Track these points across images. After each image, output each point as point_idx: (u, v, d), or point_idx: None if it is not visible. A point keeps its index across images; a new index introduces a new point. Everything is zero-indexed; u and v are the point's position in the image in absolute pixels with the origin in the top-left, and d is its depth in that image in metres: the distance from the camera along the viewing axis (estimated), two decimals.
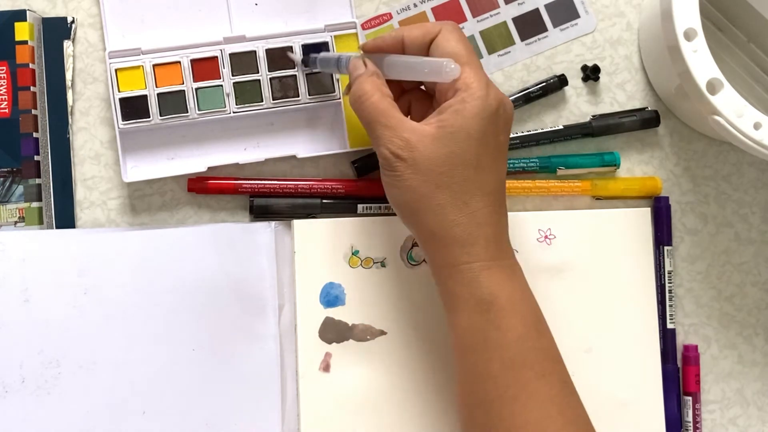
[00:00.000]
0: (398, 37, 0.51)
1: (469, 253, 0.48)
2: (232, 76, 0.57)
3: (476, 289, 0.48)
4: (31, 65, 0.58)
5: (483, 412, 0.48)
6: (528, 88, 0.61)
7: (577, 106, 0.62)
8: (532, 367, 0.48)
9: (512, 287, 0.49)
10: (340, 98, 0.58)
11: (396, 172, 0.49)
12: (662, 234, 0.60)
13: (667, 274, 0.60)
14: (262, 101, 0.58)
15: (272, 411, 0.57)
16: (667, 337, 0.60)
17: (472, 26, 0.61)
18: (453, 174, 0.48)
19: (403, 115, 0.49)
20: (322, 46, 0.58)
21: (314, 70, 0.57)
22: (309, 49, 0.58)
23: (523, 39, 0.62)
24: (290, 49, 0.58)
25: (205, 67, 0.57)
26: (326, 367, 0.57)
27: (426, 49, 0.51)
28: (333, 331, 0.57)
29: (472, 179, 0.48)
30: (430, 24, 0.52)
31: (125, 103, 0.57)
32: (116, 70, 0.57)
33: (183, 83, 0.57)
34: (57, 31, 0.59)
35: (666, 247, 0.60)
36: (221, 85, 0.57)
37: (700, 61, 0.51)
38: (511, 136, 0.60)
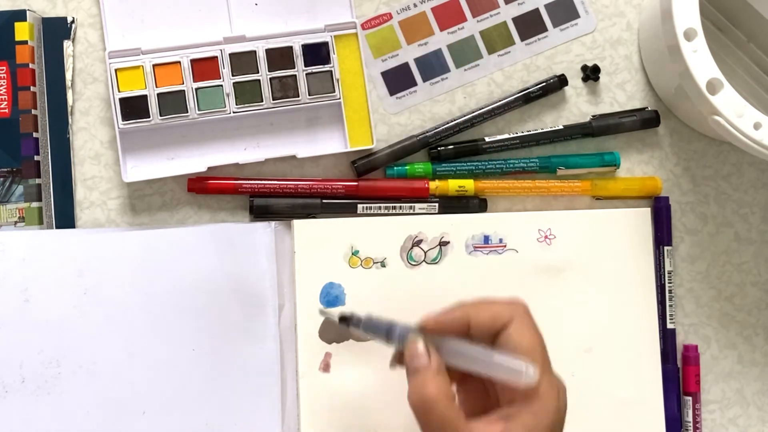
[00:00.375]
0: (464, 318, 0.45)
1: None
2: (232, 76, 0.57)
3: None
4: (31, 65, 0.58)
5: None
6: (528, 88, 0.61)
7: (577, 106, 0.62)
8: None
9: None
10: (340, 98, 0.58)
11: None
12: (662, 234, 0.60)
13: (667, 274, 0.60)
14: (262, 101, 0.58)
15: (272, 411, 0.57)
16: (667, 337, 0.60)
17: (472, 26, 0.61)
18: None
19: (469, 424, 0.43)
20: (322, 46, 0.58)
21: (357, 333, 0.51)
22: (309, 49, 0.58)
23: (523, 39, 0.62)
24: (290, 50, 0.57)
25: (205, 67, 0.57)
26: (326, 367, 0.57)
27: (493, 336, 0.45)
28: (333, 331, 0.57)
29: None
30: (500, 306, 0.46)
31: (125, 103, 0.57)
32: (116, 70, 0.57)
33: (183, 83, 0.57)
34: (57, 31, 0.59)
35: (666, 247, 0.60)
36: (221, 85, 0.57)
37: (700, 61, 0.51)
38: (511, 136, 0.60)
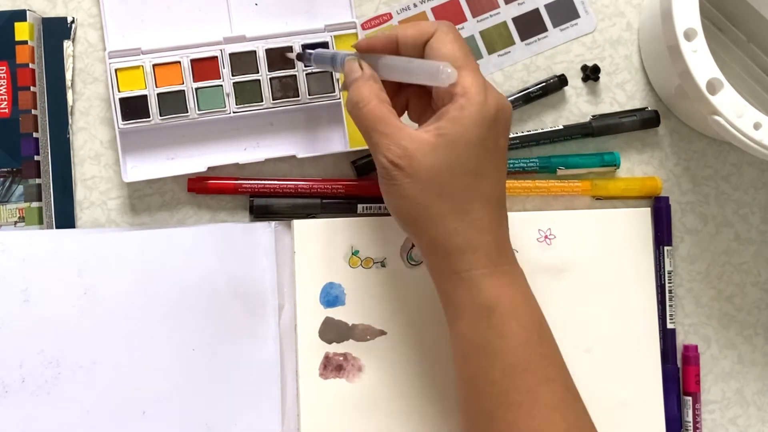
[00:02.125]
0: (392, 37, 0.50)
1: (469, 261, 0.48)
2: (232, 76, 0.57)
3: (477, 296, 0.48)
4: (31, 65, 0.58)
5: (485, 419, 0.47)
6: (528, 88, 0.61)
7: (577, 106, 0.62)
8: (534, 373, 0.47)
9: (513, 293, 0.49)
10: (340, 98, 0.58)
11: (394, 181, 0.47)
12: (662, 234, 0.60)
13: (667, 274, 0.60)
14: (262, 101, 0.58)
15: (272, 411, 0.57)
16: (667, 337, 0.60)
17: (472, 26, 0.61)
18: (453, 183, 0.47)
19: (401, 123, 0.48)
20: (323, 46, 0.58)
21: (311, 67, 0.57)
22: (309, 49, 0.58)
23: (523, 39, 0.62)
24: (290, 49, 0.58)
25: (205, 67, 0.57)
26: (326, 369, 0.57)
27: (421, 49, 0.49)
28: (333, 331, 0.57)
29: (473, 187, 0.48)
30: (425, 23, 0.50)
31: (125, 103, 0.57)
32: (116, 70, 0.57)
33: (183, 83, 0.57)
34: (57, 31, 0.59)
35: (666, 247, 0.60)
36: (221, 85, 0.57)
37: (700, 61, 0.51)
38: (511, 136, 0.60)
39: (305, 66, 0.57)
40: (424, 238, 0.49)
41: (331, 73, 0.58)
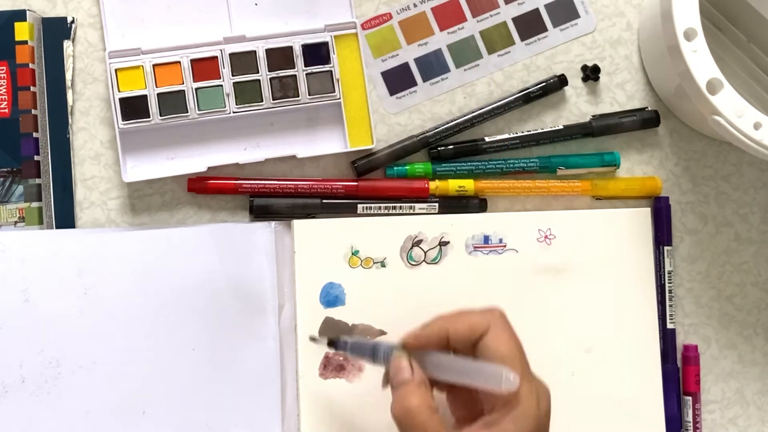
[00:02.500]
0: (442, 332, 0.47)
1: None
2: (232, 76, 0.57)
3: None
4: (31, 65, 0.58)
5: None
6: (528, 88, 0.61)
7: (577, 106, 0.62)
8: None
9: None
10: (340, 98, 0.58)
11: None
12: (662, 234, 0.60)
13: (667, 274, 0.60)
14: (262, 101, 0.58)
15: (272, 411, 0.57)
16: (667, 337, 0.60)
17: (472, 26, 0.61)
18: None
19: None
20: (323, 46, 0.58)
21: (347, 351, 0.52)
22: (309, 49, 0.58)
23: (523, 39, 0.62)
24: (286, 52, 0.57)
25: (205, 67, 0.57)
26: (326, 369, 0.57)
27: (472, 346, 0.46)
28: (333, 331, 0.57)
29: None
30: (476, 316, 0.47)
31: (125, 103, 0.57)
32: (116, 70, 0.57)
33: (183, 83, 0.57)
34: (57, 31, 0.59)
35: (666, 247, 0.60)
36: (221, 85, 0.57)
37: (700, 61, 0.51)
38: (511, 136, 0.60)
39: (337, 351, 0.53)
40: None
41: (332, 73, 0.58)
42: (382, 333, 0.58)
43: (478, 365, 0.45)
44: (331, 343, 0.51)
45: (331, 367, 0.57)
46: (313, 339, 0.54)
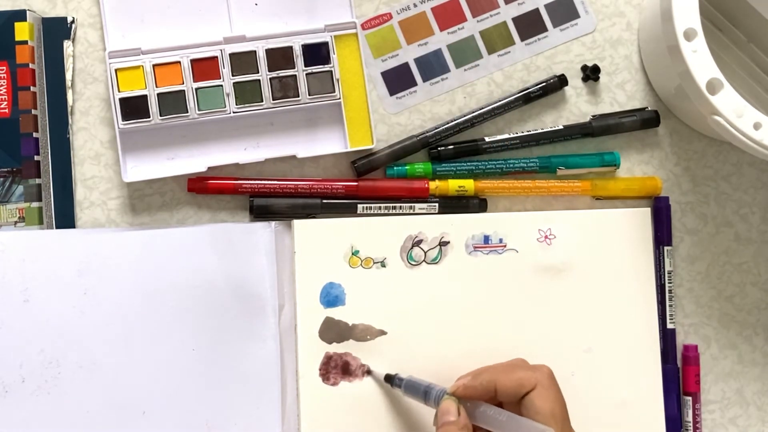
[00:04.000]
0: (491, 384, 0.50)
1: None
2: (232, 76, 0.57)
3: None
4: (31, 65, 0.58)
5: None
6: (528, 88, 0.61)
7: (577, 106, 0.62)
8: None
9: None
10: (340, 98, 0.58)
11: None
12: (662, 234, 0.60)
13: (667, 274, 0.60)
14: (262, 101, 0.58)
15: (272, 411, 0.57)
16: (667, 337, 0.60)
17: (472, 26, 0.61)
18: None
19: None
20: (323, 46, 0.58)
21: (400, 389, 0.55)
22: (309, 49, 0.58)
23: (523, 39, 0.62)
24: (286, 52, 0.57)
25: (205, 67, 0.57)
26: (326, 369, 0.57)
27: (519, 400, 0.50)
28: (333, 331, 0.57)
29: None
30: (525, 372, 0.50)
31: (125, 103, 0.57)
32: (116, 70, 0.57)
33: (183, 83, 0.57)
34: (57, 31, 0.59)
35: (666, 247, 0.60)
36: (221, 85, 0.57)
37: (700, 61, 0.51)
38: (511, 136, 0.60)
39: (391, 387, 0.56)
40: None
41: (332, 73, 0.58)
42: (382, 333, 0.58)
43: (522, 421, 0.48)
44: (388, 379, 0.56)
45: (331, 368, 0.57)
46: (371, 374, 0.57)
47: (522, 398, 0.49)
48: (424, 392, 0.53)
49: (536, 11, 0.62)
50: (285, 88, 0.58)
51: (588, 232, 0.59)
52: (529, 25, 0.62)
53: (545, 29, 0.62)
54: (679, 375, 0.60)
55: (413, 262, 0.58)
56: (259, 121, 0.59)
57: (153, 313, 0.56)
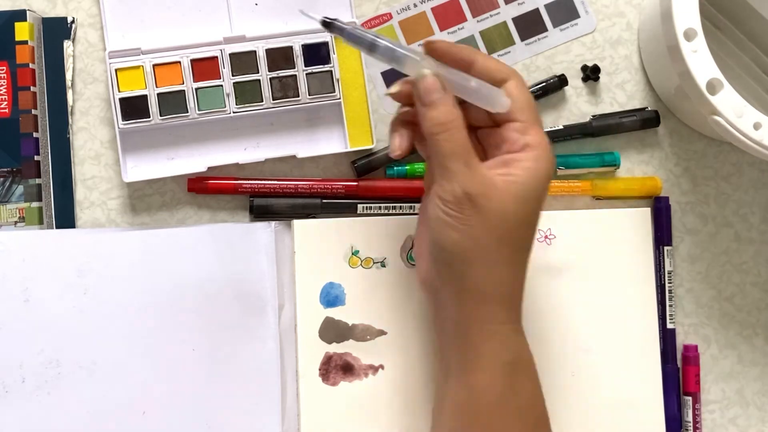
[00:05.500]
0: (470, 57, 0.49)
1: (506, 313, 0.47)
2: (232, 76, 0.57)
3: (505, 351, 0.47)
4: (31, 65, 0.58)
5: None
6: (528, 88, 0.60)
7: (577, 106, 0.62)
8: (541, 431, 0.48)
9: (528, 351, 0.49)
10: (340, 98, 0.58)
11: (462, 215, 0.46)
12: (662, 234, 0.60)
13: (667, 274, 0.60)
14: (262, 101, 0.58)
15: (272, 411, 0.57)
16: (667, 337, 0.60)
17: (472, 26, 0.61)
18: (517, 233, 0.47)
19: (478, 160, 0.47)
20: (323, 46, 0.58)
21: (341, 39, 0.49)
22: (309, 49, 0.58)
23: (523, 39, 0.62)
24: (286, 52, 0.57)
25: (205, 67, 0.57)
26: (326, 368, 0.57)
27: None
28: (333, 331, 0.57)
29: (528, 240, 0.48)
30: (503, 64, 0.49)
31: (125, 103, 0.57)
32: (116, 70, 0.57)
33: (183, 83, 0.57)
34: (57, 31, 0.59)
35: (666, 247, 0.60)
36: (221, 85, 0.57)
37: (700, 61, 0.51)
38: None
39: (331, 33, 0.49)
40: (467, 282, 0.47)
41: (332, 73, 0.58)
42: (383, 333, 0.58)
43: (483, 84, 0.47)
44: (326, 24, 0.48)
45: (331, 368, 0.57)
46: (304, 13, 0.49)
47: (497, 86, 0.48)
48: (370, 44, 0.48)
49: (536, 11, 0.62)
50: (285, 88, 0.58)
51: (588, 232, 0.59)
52: (529, 25, 0.62)
53: (545, 29, 0.62)
54: (679, 375, 0.60)
55: (413, 262, 0.58)
56: (259, 121, 0.59)
57: (153, 313, 0.56)
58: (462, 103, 0.48)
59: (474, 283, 0.47)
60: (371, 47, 0.48)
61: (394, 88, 0.50)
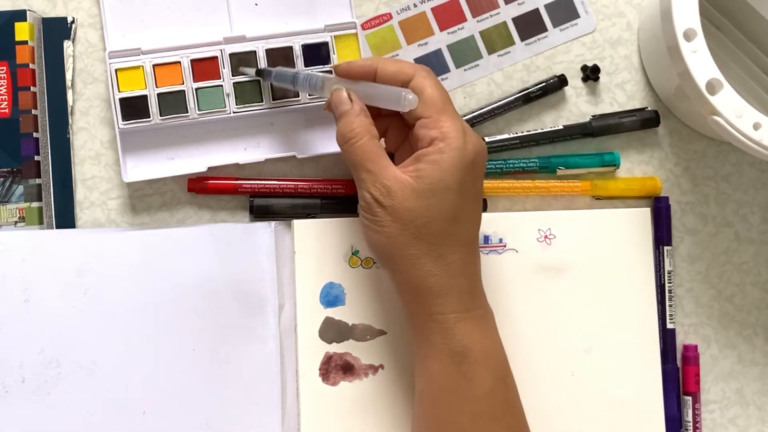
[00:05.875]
0: (372, 67, 0.51)
1: (443, 304, 0.49)
2: (232, 76, 0.57)
3: (450, 340, 0.49)
4: (31, 65, 0.58)
5: None
6: (528, 88, 0.61)
7: (577, 106, 0.62)
8: (500, 422, 0.49)
9: (484, 339, 0.50)
10: None
11: (376, 217, 0.49)
12: (662, 234, 0.60)
13: (667, 274, 0.60)
14: (262, 101, 0.58)
15: (272, 411, 0.57)
16: (667, 337, 0.60)
17: (472, 26, 0.61)
18: (431, 226, 0.48)
19: (388, 161, 0.49)
20: (323, 47, 0.58)
21: (272, 83, 0.56)
22: (309, 49, 0.58)
23: (523, 39, 0.62)
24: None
25: (205, 67, 0.57)
26: (326, 368, 0.57)
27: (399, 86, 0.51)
28: (333, 331, 0.57)
29: (449, 231, 0.49)
30: (405, 64, 0.51)
31: (125, 103, 0.57)
32: (116, 70, 0.57)
33: (183, 83, 0.57)
34: (57, 31, 0.59)
35: (666, 247, 0.60)
36: (221, 85, 0.57)
37: (700, 61, 0.51)
38: (511, 136, 0.60)
39: (264, 81, 0.57)
40: (399, 277, 0.50)
41: (332, 73, 0.58)
42: (383, 333, 0.58)
43: (384, 88, 0.50)
44: (259, 73, 0.56)
45: (331, 368, 0.57)
46: (243, 71, 0.57)
47: (402, 86, 0.50)
48: (293, 78, 0.54)
49: (536, 11, 0.62)
50: (285, 88, 0.58)
51: (588, 232, 0.59)
52: (529, 25, 0.62)
53: (545, 29, 0.62)
54: (679, 375, 0.60)
55: None
56: (259, 121, 0.59)
57: (153, 313, 0.56)
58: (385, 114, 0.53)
59: (402, 277, 0.50)
60: (293, 80, 0.54)
61: (324, 104, 0.54)
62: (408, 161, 0.50)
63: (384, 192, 0.48)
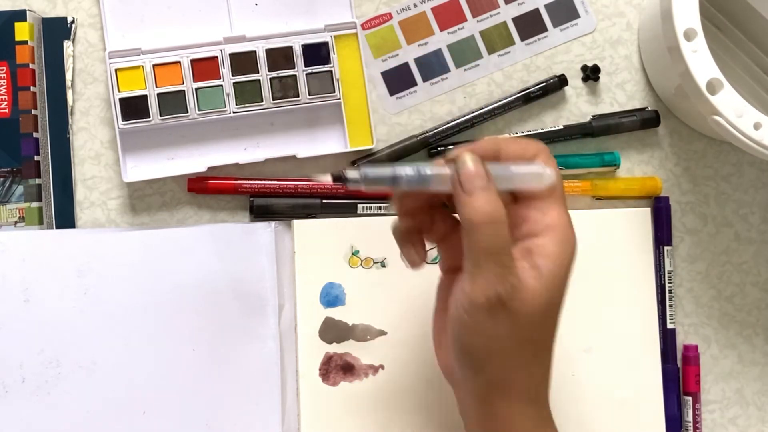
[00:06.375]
0: (495, 149, 0.45)
1: (531, 410, 0.45)
2: (232, 76, 0.57)
3: None
4: (31, 65, 0.58)
5: None
6: (528, 88, 0.61)
7: (577, 106, 0.62)
8: None
9: None
10: (340, 98, 0.58)
11: (491, 321, 0.42)
12: (662, 234, 0.60)
13: (667, 274, 0.60)
14: (262, 101, 0.58)
15: (272, 411, 0.57)
16: (667, 337, 0.60)
17: (472, 26, 0.61)
18: (544, 327, 0.44)
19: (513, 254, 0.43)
20: (323, 46, 0.58)
21: (358, 183, 0.44)
22: (309, 49, 0.58)
23: (523, 39, 0.62)
24: (286, 52, 0.57)
25: (205, 67, 0.57)
26: (326, 368, 0.57)
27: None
28: (333, 331, 0.57)
29: (551, 334, 0.45)
30: (528, 142, 0.46)
31: (125, 103, 0.57)
32: (116, 70, 0.57)
33: (183, 83, 0.57)
34: (57, 31, 0.59)
35: (666, 247, 0.60)
36: (221, 85, 0.57)
37: (700, 61, 0.51)
38: (511, 136, 0.60)
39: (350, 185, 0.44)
40: (487, 379, 0.44)
41: (332, 73, 0.58)
42: (383, 333, 0.58)
43: (519, 167, 0.44)
44: (337, 179, 0.43)
45: (331, 368, 0.57)
46: (316, 176, 0.44)
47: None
48: (392, 180, 0.43)
49: (536, 11, 0.62)
50: (285, 88, 0.58)
51: (588, 232, 0.59)
52: (529, 25, 0.62)
53: (545, 29, 0.62)
54: (679, 375, 0.60)
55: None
56: (259, 121, 0.59)
57: (153, 313, 0.56)
58: None
59: (491, 379, 0.44)
60: (393, 182, 0.43)
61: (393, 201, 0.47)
62: (518, 252, 0.43)
63: (510, 293, 0.42)
